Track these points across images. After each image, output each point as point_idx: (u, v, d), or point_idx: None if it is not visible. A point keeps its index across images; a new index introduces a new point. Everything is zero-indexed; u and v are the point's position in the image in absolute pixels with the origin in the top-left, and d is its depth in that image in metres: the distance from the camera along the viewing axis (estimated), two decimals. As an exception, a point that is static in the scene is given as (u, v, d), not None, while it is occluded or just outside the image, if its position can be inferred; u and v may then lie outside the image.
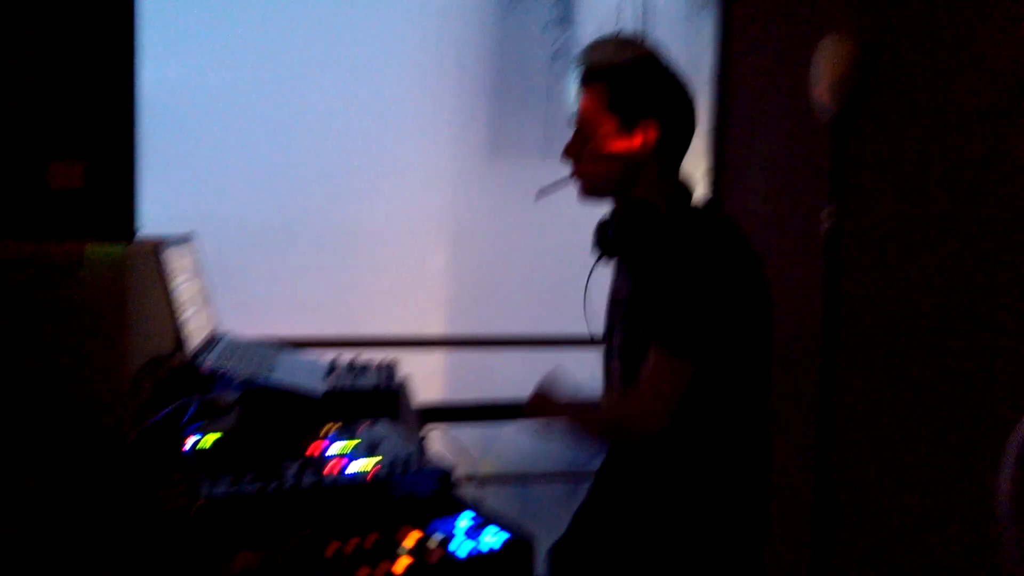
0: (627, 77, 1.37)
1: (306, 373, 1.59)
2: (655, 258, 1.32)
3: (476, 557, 0.99)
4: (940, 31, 1.66)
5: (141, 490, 1.11)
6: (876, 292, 1.82)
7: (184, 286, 1.56)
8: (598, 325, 1.51)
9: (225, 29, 2.88)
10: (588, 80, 1.40)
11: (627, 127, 1.37)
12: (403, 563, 0.95)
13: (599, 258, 1.45)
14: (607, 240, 1.41)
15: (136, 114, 1.70)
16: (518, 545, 1.02)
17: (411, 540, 1.01)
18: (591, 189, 1.43)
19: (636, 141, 1.36)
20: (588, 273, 1.47)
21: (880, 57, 1.79)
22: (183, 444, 1.22)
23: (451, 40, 2.99)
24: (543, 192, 1.48)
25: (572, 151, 1.42)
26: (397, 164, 3.13)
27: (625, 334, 1.42)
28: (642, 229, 1.35)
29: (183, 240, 1.68)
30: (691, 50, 2.46)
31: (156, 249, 1.47)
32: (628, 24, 2.24)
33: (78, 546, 0.95)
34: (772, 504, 1.37)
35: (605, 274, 1.50)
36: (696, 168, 2.47)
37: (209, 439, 1.19)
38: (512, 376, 2.25)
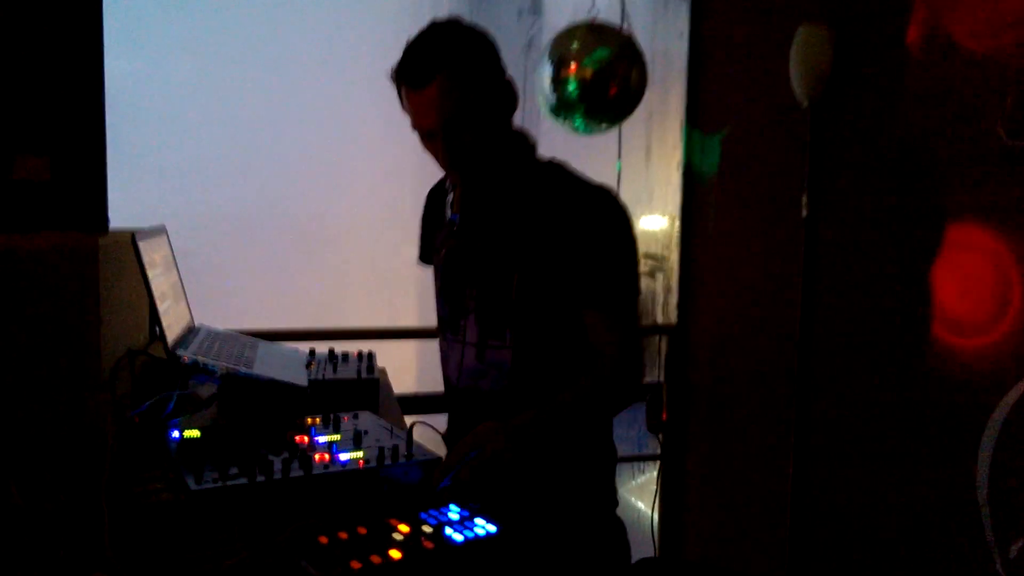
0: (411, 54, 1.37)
1: (287, 365, 1.57)
2: (528, 216, 1.39)
3: (471, 542, 0.99)
4: (912, 18, 1.69)
5: (124, 485, 1.09)
6: (853, 281, 1.85)
7: (160, 278, 1.53)
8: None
9: (193, 21, 2.83)
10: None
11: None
12: (396, 553, 0.95)
13: (454, 230, 1.49)
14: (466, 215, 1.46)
15: (103, 106, 1.67)
16: (511, 533, 1.02)
17: (403, 529, 1.01)
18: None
19: None
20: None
21: (854, 45, 1.82)
22: (165, 437, 1.20)
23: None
24: None
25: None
26: (367, 156, 3.11)
27: (481, 287, 1.45)
28: (484, 190, 1.41)
29: (157, 232, 1.65)
30: (667, 39, 2.47)
31: (130, 241, 1.44)
32: (601, 12, 2.24)
33: (61, 544, 0.93)
34: (751, 505, 1.39)
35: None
36: (672, 157, 2.49)
37: (192, 432, 1.17)
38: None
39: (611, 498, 1.54)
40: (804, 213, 1.93)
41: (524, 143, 1.46)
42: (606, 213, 1.40)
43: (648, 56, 2.21)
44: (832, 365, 1.92)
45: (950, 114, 1.60)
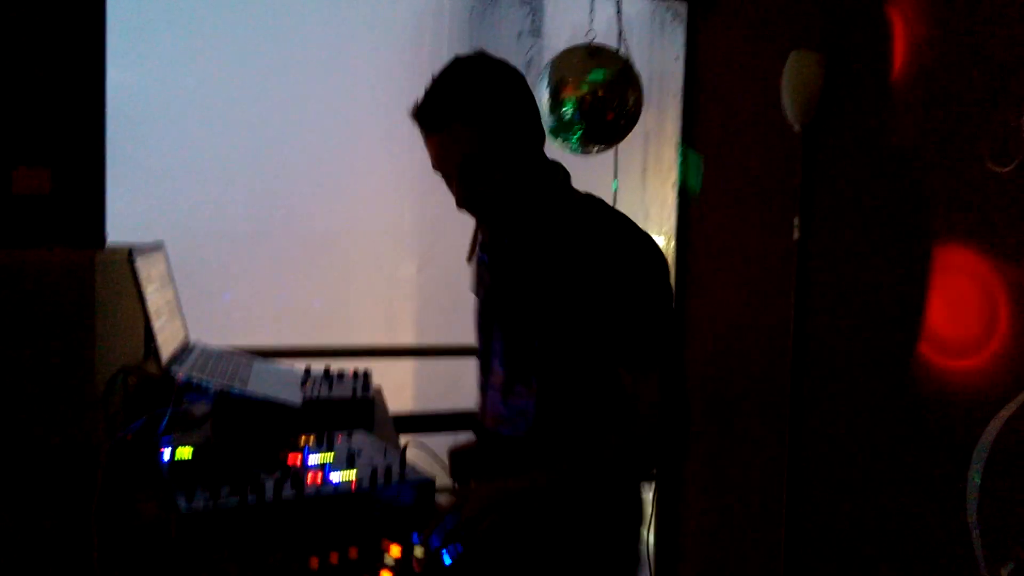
0: (433, 91, 1.28)
1: (281, 383, 1.57)
2: (564, 256, 1.28)
3: (461, 557, 0.99)
4: (900, 47, 1.71)
5: (115, 505, 1.08)
6: (844, 302, 1.86)
7: (155, 295, 1.53)
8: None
9: (195, 33, 2.84)
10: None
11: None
12: (387, 574, 0.94)
13: (482, 268, 1.43)
14: (493, 255, 1.39)
15: (104, 118, 1.68)
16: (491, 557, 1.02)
17: (395, 551, 1.00)
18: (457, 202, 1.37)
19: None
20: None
21: (845, 72, 1.84)
22: (157, 456, 1.19)
23: (424, 49, 2.99)
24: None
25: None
26: (367, 172, 3.12)
27: (506, 332, 1.37)
28: (518, 230, 1.32)
29: (154, 248, 1.66)
30: (662, 62, 2.49)
31: (127, 257, 1.45)
32: (599, 34, 2.26)
33: (52, 563, 0.93)
34: (746, 523, 1.38)
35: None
36: (667, 177, 2.50)
37: (184, 451, 1.17)
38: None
39: (630, 559, 1.40)
40: (796, 235, 1.94)
41: (555, 177, 1.35)
42: (638, 262, 1.26)
43: (645, 77, 2.23)
44: (824, 384, 1.92)
45: (938, 138, 1.62)
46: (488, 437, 1.44)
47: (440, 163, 1.28)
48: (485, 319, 1.45)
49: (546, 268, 1.31)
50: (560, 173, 1.37)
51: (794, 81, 1.86)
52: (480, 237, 1.44)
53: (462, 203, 1.31)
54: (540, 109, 1.41)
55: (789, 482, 2.00)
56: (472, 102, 1.24)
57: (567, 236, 1.30)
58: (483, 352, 1.45)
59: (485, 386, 1.43)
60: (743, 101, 2.21)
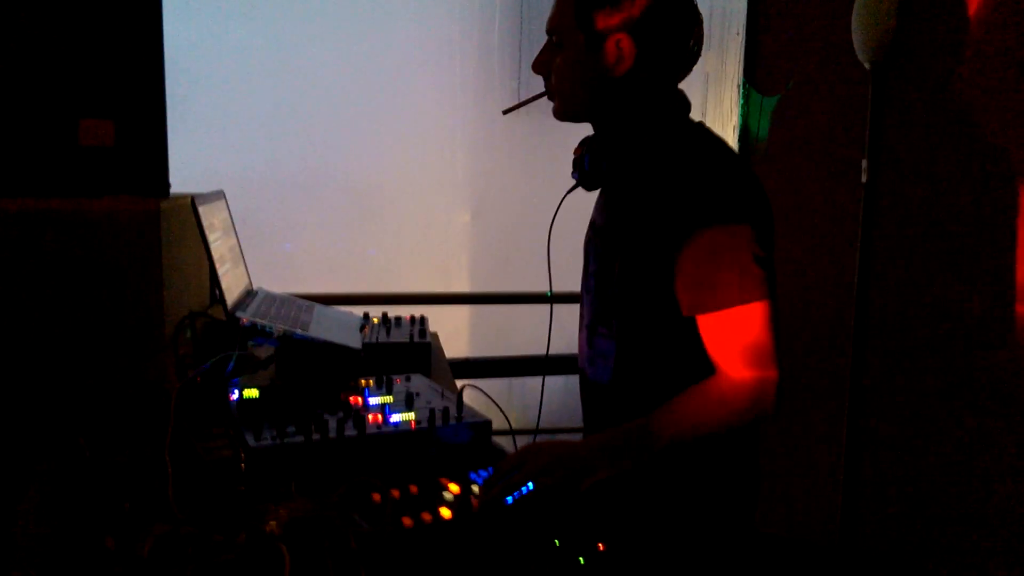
0: None
1: (341, 327, 1.61)
2: (655, 187, 1.19)
3: (521, 499, 1.00)
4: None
5: (186, 441, 1.13)
6: (915, 250, 1.79)
7: (219, 242, 1.57)
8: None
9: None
10: None
11: (596, 43, 1.21)
12: (447, 512, 0.96)
13: (574, 187, 1.32)
14: (584, 168, 1.27)
15: (163, 71, 1.70)
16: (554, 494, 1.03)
17: (454, 489, 1.02)
18: (564, 109, 1.29)
19: (608, 59, 1.21)
20: (559, 203, 1.34)
21: (921, 5, 1.74)
22: (225, 396, 1.23)
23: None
24: (511, 108, 1.36)
25: (541, 64, 1.28)
26: (423, 120, 3.11)
27: (599, 266, 1.29)
28: (622, 154, 1.23)
29: (215, 196, 1.69)
30: (727, 0, 2.40)
31: (190, 204, 1.48)
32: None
33: (126, 496, 0.98)
34: (802, 485, 1.35)
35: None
36: (728, 120, 2.43)
37: (251, 391, 1.21)
38: (534, 332, 2.26)
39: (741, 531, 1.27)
40: (864, 178, 1.87)
41: (664, 110, 1.26)
42: (735, 197, 1.14)
43: (705, 15, 2.15)
44: (891, 339, 1.87)
45: (1016, 76, 1.53)
46: (582, 379, 1.38)
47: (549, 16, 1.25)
48: (586, 252, 1.38)
49: (635, 198, 1.23)
50: (679, 103, 1.29)
51: (866, 17, 1.77)
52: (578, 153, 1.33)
53: (533, 65, 1.28)
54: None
55: (849, 441, 1.96)
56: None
57: (662, 166, 1.21)
58: (582, 287, 1.39)
59: (581, 324, 1.37)
60: (809, 38, 2.12)
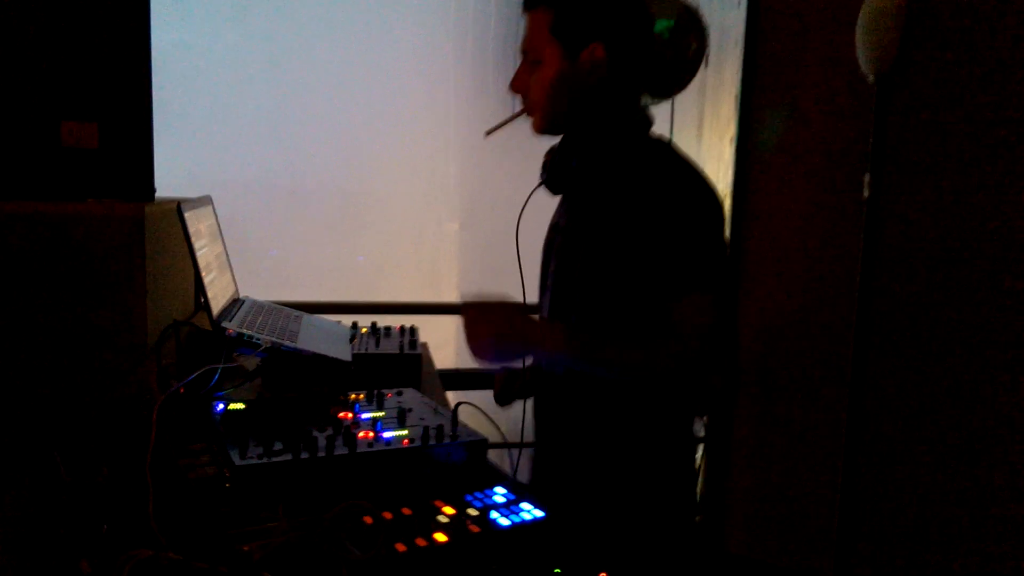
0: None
1: (330, 338, 1.56)
2: (620, 189, 1.27)
3: (518, 527, 0.96)
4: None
5: (168, 458, 1.08)
6: (917, 263, 1.77)
7: (205, 248, 1.52)
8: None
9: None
10: (532, 4, 1.32)
11: (572, 53, 1.28)
12: (442, 536, 0.92)
13: (538, 186, 1.39)
14: (553, 171, 1.35)
15: (150, 74, 1.66)
16: (557, 520, 0.99)
17: (448, 512, 0.98)
18: (544, 122, 1.34)
19: (582, 68, 1.28)
20: (522, 204, 1.40)
21: (925, 16, 1.73)
22: (210, 409, 1.19)
23: (469, 3, 2.91)
24: (492, 130, 1.41)
25: (519, 83, 1.34)
26: (412, 128, 3.08)
27: (559, 265, 1.38)
28: (590, 159, 1.30)
29: (203, 202, 1.64)
30: (723, 9, 2.38)
31: (176, 209, 1.43)
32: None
33: (105, 518, 0.93)
34: (798, 492, 1.33)
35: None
36: (725, 131, 2.41)
37: (237, 405, 1.16)
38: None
39: (684, 503, 1.40)
40: (866, 194, 1.85)
41: (631, 121, 1.34)
42: (691, 199, 1.24)
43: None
44: (890, 353, 1.84)
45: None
46: (537, 372, 1.45)
47: (522, 38, 1.32)
48: (546, 251, 1.45)
49: (599, 201, 1.30)
50: (642, 119, 1.35)
51: (871, 28, 1.75)
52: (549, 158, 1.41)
53: (511, 84, 1.34)
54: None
55: (847, 448, 1.94)
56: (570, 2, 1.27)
57: (628, 175, 1.28)
58: (541, 284, 1.45)
59: (539, 318, 1.43)
60: (811, 50, 2.10)
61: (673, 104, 2.38)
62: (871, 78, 1.80)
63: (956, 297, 1.65)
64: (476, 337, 1.28)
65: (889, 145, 1.82)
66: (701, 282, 1.22)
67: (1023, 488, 1.44)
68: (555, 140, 1.39)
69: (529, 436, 1.64)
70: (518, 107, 1.37)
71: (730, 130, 2.38)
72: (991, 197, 1.58)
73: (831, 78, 2.00)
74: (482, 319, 1.28)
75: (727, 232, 1.30)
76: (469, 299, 1.31)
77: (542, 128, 1.35)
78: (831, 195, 2.01)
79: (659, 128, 1.39)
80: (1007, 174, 1.54)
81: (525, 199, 1.40)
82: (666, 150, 1.33)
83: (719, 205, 1.27)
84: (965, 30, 1.62)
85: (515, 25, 1.28)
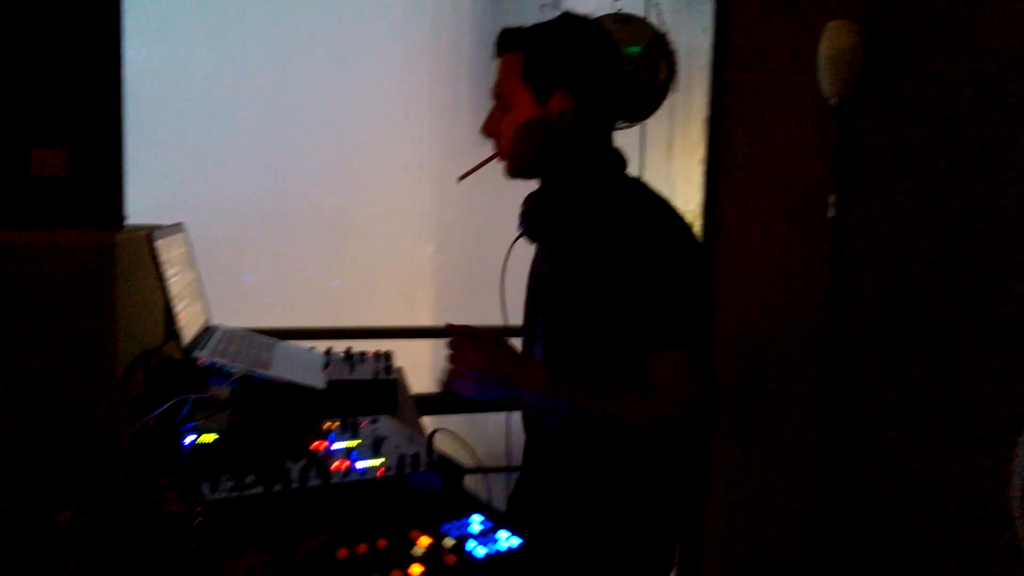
0: (539, 44, 1.28)
1: (304, 365, 1.55)
2: (598, 237, 1.27)
3: (494, 557, 0.95)
4: (945, 15, 1.64)
5: (138, 493, 1.06)
6: (881, 282, 1.80)
7: (176, 277, 1.51)
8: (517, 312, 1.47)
9: (213, 13, 2.80)
10: (503, 48, 1.32)
11: (542, 97, 1.28)
12: (417, 568, 0.91)
13: (519, 237, 1.38)
14: (532, 220, 1.34)
15: (122, 99, 1.65)
16: (534, 548, 0.99)
17: (424, 542, 0.97)
18: (514, 167, 1.34)
19: (552, 112, 1.27)
20: (507, 252, 1.40)
21: (884, 42, 1.77)
22: (180, 442, 1.17)
23: (444, 26, 2.93)
24: (464, 176, 1.41)
25: (490, 127, 1.34)
26: (386, 153, 3.08)
27: (547, 318, 1.36)
28: (567, 206, 1.30)
29: (174, 230, 1.63)
30: (690, 34, 2.42)
31: (146, 238, 1.42)
32: (624, 6, 2.19)
33: (72, 556, 0.91)
34: (774, 511, 1.35)
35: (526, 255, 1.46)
36: (694, 153, 2.44)
37: (208, 436, 1.14)
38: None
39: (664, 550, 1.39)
40: (831, 214, 1.88)
41: (604, 163, 1.34)
42: (671, 246, 1.23)
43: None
44: (859, 370, 1.87)
45: (988, 110, 1.55)
46: (532, 427, 1.44)
47: (493, 83, 1.33)
48: (530, 302, 1.44)
49: (580, 251, 1.30)
50: (616, 159, 1.35)
51: (831, 52, 1.79)
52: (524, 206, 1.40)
53: (483, 128, 1.35)
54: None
55: (820, 468, 1.95)
56: (537, 44, 1.29)
57: (604, 223, 1.28)
58: (526, 338, 1.44)
59: None
60: (775, 73, 2.14)
61: (644, 127, 2.41)
62: (833, 100, 1.84)
63: (924, 312, 1.68)
64: (461, 374, 1.29)
65: (853, 164, 1.85)
66: (676, 336, 1.22)
67: (1000, 508, 1.46)
68: (531, 185, 1.39)
69: (506, 461, 1.64)
70: (491, 150, 1.38)
71: (699, 151, 2.41)
72: (956, 214, 1.61)
73: (795, 102, 2.03)
74: (468, 354, 1.28)
75: (709, 276, 1.32)
76: (456, 329, 1.32)
77: (513, 173, 1.35)
78: (797, 215, 2.04)
79: (629, 150, 1.41)
80: (969, 191, 1.58)
81: (508, 248, 1.41)
82: (641, 192, 1.32)
83: (697, 250, 1.27)
84: (924, 53, 1.66)
85: (488, 51, 1.29)
